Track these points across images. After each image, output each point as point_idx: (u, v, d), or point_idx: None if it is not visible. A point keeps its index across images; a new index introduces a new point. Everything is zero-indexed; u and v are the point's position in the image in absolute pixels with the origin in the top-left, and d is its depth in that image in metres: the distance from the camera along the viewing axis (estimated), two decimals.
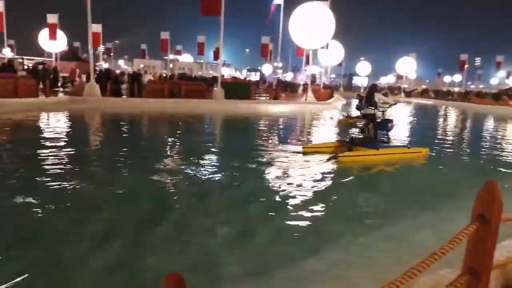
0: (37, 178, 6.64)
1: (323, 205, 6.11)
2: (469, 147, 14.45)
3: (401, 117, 22.62)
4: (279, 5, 35.82)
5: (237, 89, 25.19)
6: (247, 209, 5.77)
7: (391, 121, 10.41)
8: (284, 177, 7.64)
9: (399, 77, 65.41)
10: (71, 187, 6.25)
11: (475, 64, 70.95)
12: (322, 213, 5.81)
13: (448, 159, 11.26)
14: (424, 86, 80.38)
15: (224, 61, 66.83)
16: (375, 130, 10.24)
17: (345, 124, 17.48)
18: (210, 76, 45.15)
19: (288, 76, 65.91)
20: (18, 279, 3.51)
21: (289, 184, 7.12)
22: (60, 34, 32.29)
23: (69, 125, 14.22)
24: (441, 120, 28.42)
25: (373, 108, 10.15)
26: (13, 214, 5.14)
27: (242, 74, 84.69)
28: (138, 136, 13.27)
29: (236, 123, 18.07)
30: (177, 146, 10.77)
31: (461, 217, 1.81)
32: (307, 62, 33.85)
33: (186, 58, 75.63)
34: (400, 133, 14.91)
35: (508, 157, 12.00)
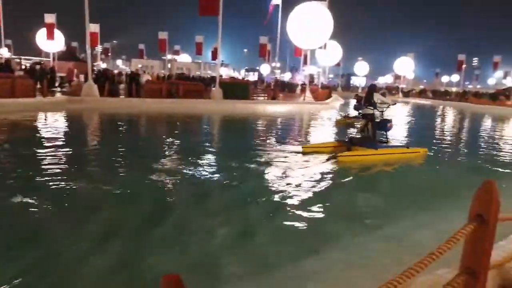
0: (35, 178, 6.64)
1: (322, 205, 6.12)
2: (467, 147, 14.49)
3: (399, 117, 22.66)
4: (277, 5, 35.82)
5: (235, 89, 25.20)
6: (247, 209, 5.77)
7: (390, 121, 10.45)
8: (283, 177, 7.65)
9: (397, 77, 65.62)
10: (70, 187, 6.24)
11: (473, 64, 71.16)
12: (322, 213, 5.82)
13: (447, 159, 11.29)
14: (422, 86, 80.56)
15: (222, 61, 66.80)
16: (374, 130, 10.27)
17: (342, 124, 17.51)
18: (208, 76, 45.15)
19: (286, 76, 65.89)
20: (17, 280, 3.50)
21: (289, 184, 7.13)
22: (58, 34, 32.25)
23: (67, 125, 14.20)
24: (439, 120, 28.49)
25: (372, 108, 10.19)
26: (11, 214, 5.14)
27: (240, 74, 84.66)
28: (136, 136, 13.26)
29: (234, 123, 18.07)
30: (175, 146, 10.76)
31: (461, 217, 1.81)
32: (305, 62, 33.87)
33: (184, 58, 75.55)
34: (398, 133, 14.94)
35: (505, 157, 12.05)
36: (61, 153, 8.80)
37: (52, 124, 13.88)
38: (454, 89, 67.98)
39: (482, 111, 35.10)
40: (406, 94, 61.07)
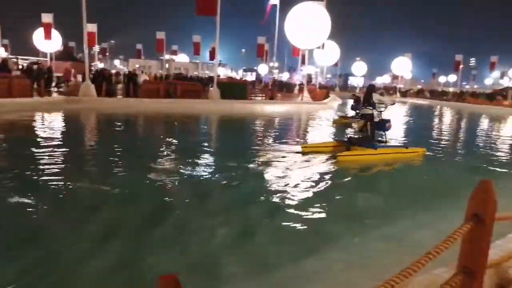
0: (32, 178, 6.62)
1: (322, 204, 6.13)
2: (465, 147, 14.52)
3: (397, 117, 22.69)
4: (275, 5, 35.80)
5: (233, 89, 25.19)
6: (247, 209, 5.77)
7: (388, 121, 10.49)
8: (283, 176, 7.65)
9: (395, 77, 65.69)
10: (67, 187, 6.22)
11: (470, 64, 71.41)
12: (322, 212, 5.82)
13: (445, 158, 11.32)
14: (419, 86, 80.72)
15: (220, 61, 66.81)
16: (373, 130, 10.33)
17: (339, 124, 17.54)
18: (206, 76, 45.09)
19: (284, 76, 65.86)
20: (17, 280, 3.49)
21: (288, 183, 7.14)
22: (55, 33, 32.15)
23: (64, 125, 14.16)
24: (437, 120, 28.54)
25: (371, 108, 10.24)
26: (9, 214, 5.12)
27: (238, 74, 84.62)
28: (134, 136, 13.23)
29: (232, 123, 18.06)
30: (173, 146, 10.75)
31: (461, 217, 1.81)
32: (303, 62, 33.89)
33: (182, 58, 75.41)
34: (397, 133, 14.98)
35: (503, 157, 12.12)
36: (59, 153, 8.77)
37: (50, 124, 13.84)
38: (451, 89, 68.12)
39: (479, 111, 35.21)
40: (404, 94, 61.21)
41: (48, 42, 31.50)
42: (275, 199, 6.24)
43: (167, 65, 58.91)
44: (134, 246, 4.39)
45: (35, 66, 24.98)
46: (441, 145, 13.68)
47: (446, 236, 1.57)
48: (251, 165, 8.40)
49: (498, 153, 12.68)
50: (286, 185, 7.01)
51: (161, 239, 4.58)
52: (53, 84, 24.45)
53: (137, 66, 51.56)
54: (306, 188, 6.97)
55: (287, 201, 6.16)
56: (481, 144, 15.09)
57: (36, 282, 3.57)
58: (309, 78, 44.78)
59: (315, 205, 6.03)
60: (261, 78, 58.75)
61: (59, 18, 32.78)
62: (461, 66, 56.23)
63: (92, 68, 32.47)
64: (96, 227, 4.73)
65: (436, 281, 2.19)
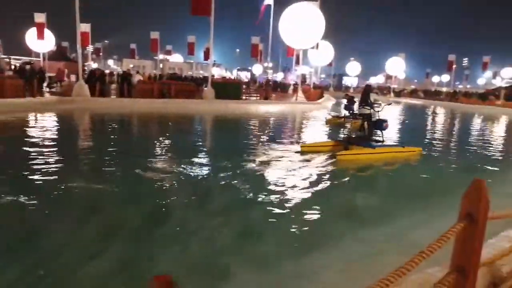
0: (26, 178, 6.57)
1: (322, 204, 6.16)
2: (460, 146, 14.63)
3: (392, 117, 22.79)
4: (269, 5, 35.81)
5: (227, 89, 25.15)
6: (246, 208, 5.78)
7: (385, 121, 10.65)
8: (283, 176, 7.67)
9: (389, 77, 65.91)
10: (62, 187, 6.18)
11: (463, 64, 71.71)
12: (321, 212, 5.83)
13: (442, 157, 11.45)
14: (413, 86, 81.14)
15: (214, 61, 66.66)
16: (370, 129, 10.46)
17: (333, 124, 17.62)
18: (200, 76, 45.00)
19: (279, 76, 65.88)
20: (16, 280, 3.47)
21: (288, 183, 7.14)
22: (48, 33, 31.85)
23: (57, 125, 14.06)
24: (431, 119, 28.73)
25: (369, 108, 10.37)
26: (7, 214, 5.09)
27: (232, 74, 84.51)
28: (128, 136, 13.17)
29: (227, 123, 18.04)
30: (167, 147, 10.70)
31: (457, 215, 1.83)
32: (297, 62, 33.95)
33: (176, 58, 75.20)
34: (393, 133, 15.10)
35: (497, 155, 12.28)
36: (52, 153, 8.70)
37: (42, 124, 13.71)
38: (444, 89, 68.57)
39: (472, 110, 35.50)
40: (398, 94, 61.44)
41: (41, 42, 31.19)
42: (275, 198, 6.25)
43: (161, 65, 58.69)
44: (134, 245, 4.39)
45: (27, 66, 24.78)
46: (436, 145, 13.85)
47: (440, 235, 1.58)
48: (250, 165, 8.41)
49: (491, 152, 12.81)
50: (286, 184, 7.02)
51: (160, 239, 4.57)
52: (45, 84, 24.27)
53: (131, 66, 51.30)
54: (305, 187, 7.00)
55: (287, 200, 6.17)
56: (475, 143, 15.22)
57: (36, 282, 3.56)
58: (303, 78, 44.86)
59: (315, 205, 6.07)
60: (255, 78, 58.76)
61: (52, 18, 32.51)
62: (454, 66, 56.68)
63: (86, 68, 32.25)
64: (92, 226, 4.72)
65: (430, 280, 2.20)
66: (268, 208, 5.81)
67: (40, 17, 29.51)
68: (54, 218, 5.06)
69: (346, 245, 4.68)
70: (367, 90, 10.76)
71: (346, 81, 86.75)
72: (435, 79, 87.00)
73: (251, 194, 6.41)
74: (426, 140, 14.70)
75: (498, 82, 64.32)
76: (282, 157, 9.44)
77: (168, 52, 62.98)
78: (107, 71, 34.10)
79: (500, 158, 11.92)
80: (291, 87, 35.34)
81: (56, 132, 12.23)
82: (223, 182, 7.07)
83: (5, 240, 4.37)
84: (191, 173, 7.57)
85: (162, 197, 6.08)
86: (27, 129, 12.32)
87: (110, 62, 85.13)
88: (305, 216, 5.54)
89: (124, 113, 18.00)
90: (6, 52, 49.26)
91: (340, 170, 8.61)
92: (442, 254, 1.64)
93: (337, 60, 56.28)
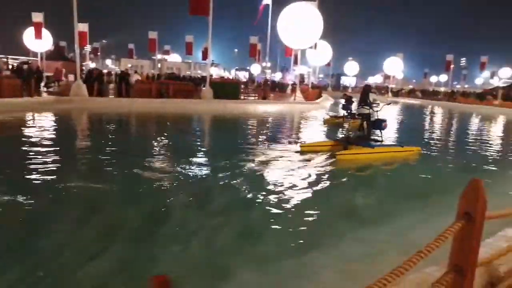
0: (23, 178, 6.55)
1: (322, 204, 6.18)
2: (458, 146, 14.69)
3: (391, 117, 22.82)
4: (268, 5, 35.79)
5: (226, 89, 25.13)
6: (246, 208, 5.78)
7: (384, 120, 10.70)
8: (283, 176, 7.67)
9: (387, 77, 65.94)
10: (60, 186, 6.17)
11: (461, 64, 71.72)
12: (321, 212, 5.84)
13: (439, 157, 11.49)
14: (411, 86, 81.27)
15: (213, 61, 66.60)
16: (369, 129, 10.51)
17: (331, 124, 17.66)
18: (199, 76, 44.96)
19: (277, 76, 65.87)
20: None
21: (288, 183, 7.15)
22: (46, 33, 31.73)
23: (55, 125, 14.02)
24: (429, 119, 28.77)
25: (368, 107, 10.40)
26: (4, 214, 5.07)
27: (230, 74, 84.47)
28: (126, 136, 13.15)
29: (226, 123, 18.03)
30: (166, 147, 10.69)
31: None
32: (296, 62, 33.93)
33: (174, 58, 75.14)
34: (391, 133, 15.14)
35: (495, 155, 12.31)
36: (50, 153, 8.68)
37: (40, 124, 13.68)
38: (442, 89, 68.71)
39: (470, 110, 35.58)
40: (396, 94, 61.49)
41: (38, 42, 31.05)
42: (275, 198, 6.25)
43: (159, 65, 58.68)
44: (133, 245, 4.39)
45: (25, 66, 24.75)
46: (434, 144, 13.90)
47: (437, 234, 1.59)
48: (250, 165, 8.41)
49: (489, 152, 12.86)
50: (285, 184, 7.02)
51: (160, 238, 4.57)
52: (42, 84, 24.23)
53: (129, 65, 51.25)
54: (305, 186, 7.02)
55: (287, 200, 6.17)
56: (473, 143, 15.24)
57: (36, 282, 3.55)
58: (302, 78, 44.87)
59: (315, 204, 6.09)
60: (254, 78, 58.76)
61: (50, 17, 32.43)
62: (452, 66, 56.75)
63: (84, 68, 32.17)
64: (93, 227, 4.71)
65: (428, 279, 2.21)
66: (267, 208, 5.82)
67: (37, 17, 29.40)
68: (53, 218, 5.06)
69: (346, 245, 4.69)
70: (366, 90, 10.81)
71: (344, 81, 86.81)
72: (433, 79, 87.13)
73: (250, 194, 6.41)
74: (424, 139, 14.74)
75: (495, 82, 64.40)
76: (282, 156, 9.45)
77: (166, 52, 62.89)
78: (105, 71, 34.10)
79: (498, 157, 11.96)
80: (289, 87, 35.36)
81: (54, 132, 12.20)
82: (222, 182, 7.06)
83: (5, 240, 4.36)
84: (190, 173, 7.56)
85: (162, 197, 6.07)
86: (24, 129, 12.29)
87: (108, 61, 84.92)
88: (305, 216, 5.55)
89: (122, 113, 17.97)
90: (3, 51, 49.17)
91: (339, 170, 8.64)
92: (440, 254, 1.64)
93: (335, 60, 56.29)
